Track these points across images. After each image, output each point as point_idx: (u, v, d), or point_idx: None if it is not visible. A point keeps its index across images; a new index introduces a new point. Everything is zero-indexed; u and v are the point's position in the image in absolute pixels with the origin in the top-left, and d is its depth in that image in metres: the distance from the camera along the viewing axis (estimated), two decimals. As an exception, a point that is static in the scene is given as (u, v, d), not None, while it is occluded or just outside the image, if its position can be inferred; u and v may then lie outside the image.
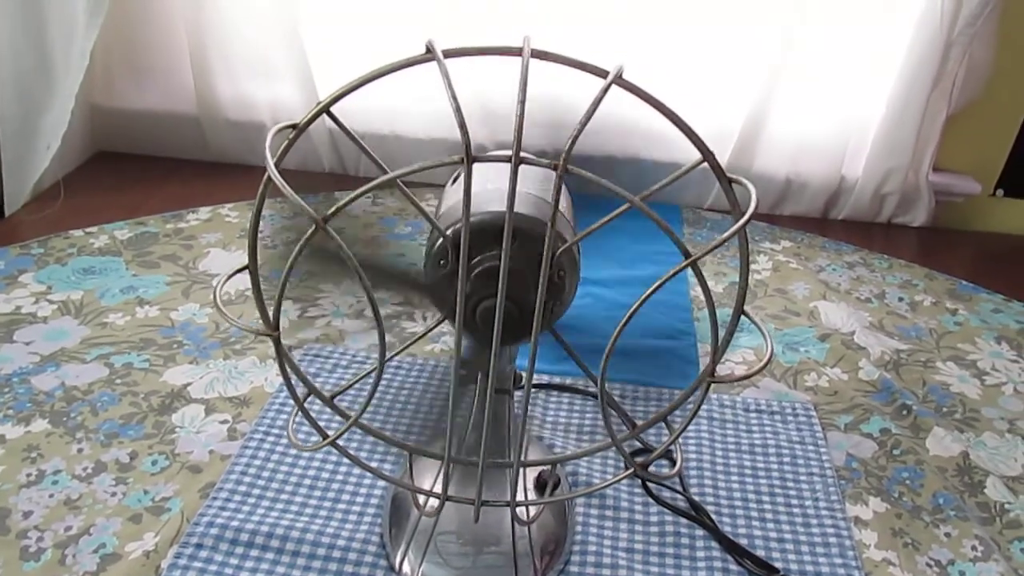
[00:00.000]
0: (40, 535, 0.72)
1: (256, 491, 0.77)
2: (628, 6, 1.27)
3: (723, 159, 1.33)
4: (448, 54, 0.42)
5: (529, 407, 0.90)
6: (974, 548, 0.77)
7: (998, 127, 1.37)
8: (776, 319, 1.10)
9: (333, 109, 0.46)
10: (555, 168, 0.43)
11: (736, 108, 1.33)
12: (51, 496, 0.76)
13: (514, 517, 0.59)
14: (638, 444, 0.83)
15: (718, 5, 1.27)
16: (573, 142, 0.42)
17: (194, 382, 0.91)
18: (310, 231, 0.45)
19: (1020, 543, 0.78)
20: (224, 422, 0.86)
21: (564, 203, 0.64)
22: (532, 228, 0.53)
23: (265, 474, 0.79)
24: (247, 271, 0.50)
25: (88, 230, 1.20)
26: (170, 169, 1.43)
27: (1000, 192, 1.42)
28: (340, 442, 0.57)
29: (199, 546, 0.71)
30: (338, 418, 0.57)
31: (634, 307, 0.47)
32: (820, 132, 1.35)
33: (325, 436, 0.57)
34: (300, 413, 0.56)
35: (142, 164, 1.43)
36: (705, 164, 0.47)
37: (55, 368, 0.91)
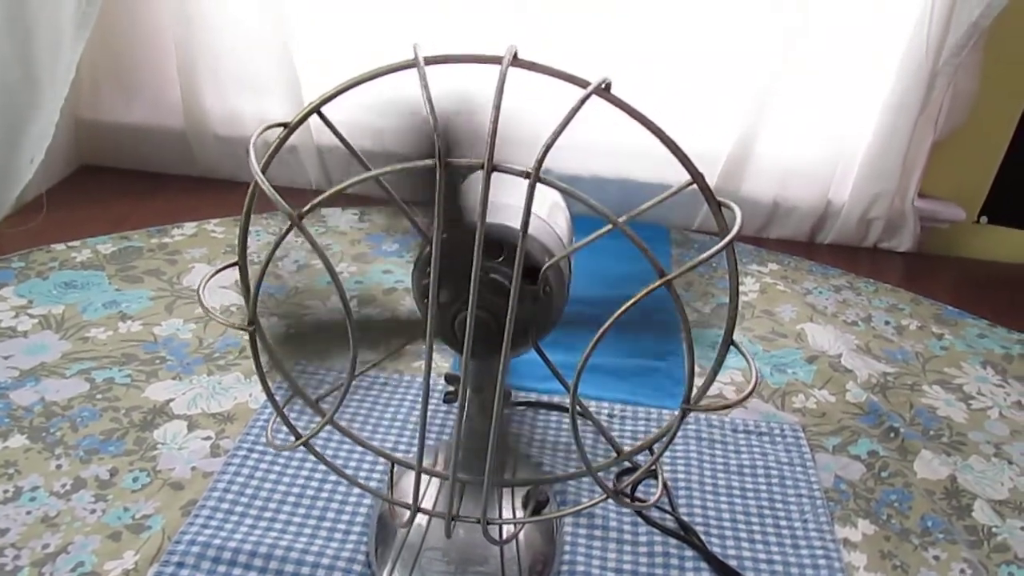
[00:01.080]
0: (17, 553, 0.70)
1: (239, 508, 0.76)
2: (617, 30, 1.27)
3: (711, 182, 1.32)
4: (430, 60, 0.43)
5: (517, 425, 0.90)
6: (963, 572, 0.76)
7: (982, 155, 1.39)
8: (764, 340, 1.10)
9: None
10: (527, 176, 0.43)
11: (724, 132, 1.33)
12: (28, 513, 0.74)
13: (486, 535, 0.58)
14: (627, 463, 0.83)
15: (708, 29, 1.28)
16: (546, 150, 0.42)
17: (177, 398, 0.90)
18: (286, 228, 0.45)
19: (1008, 567, 0.77)
20: (207, 438, 0.84)
21: (562, 221, 0.64)
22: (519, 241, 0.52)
23: (249, 491, 0.78)
24: (235, 267, 0.50)
25: (71, 244, 1.18)
26: (155, 184, 1.41)
27: (984, 219, 1.43)
28: (330, 453, 0.56)
29: (180, 564, 0.69)
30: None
31: (606, 325, 0.47)
32: (808, 157, 1.36)
33: (299, 436, 0.56)
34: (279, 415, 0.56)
35: (127, 178, 1.42)
36: (694, 185, 0.46)
37: (35, 383, 0.90)
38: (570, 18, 1.27)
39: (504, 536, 0.66)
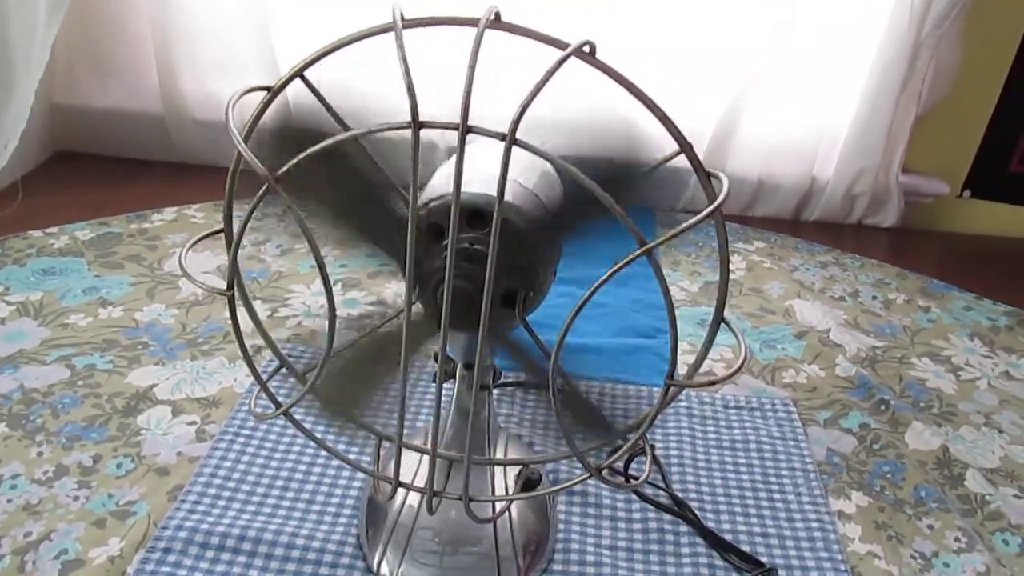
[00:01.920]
0: (-2, 541, 0.68)
1: (227, 493, 0.74)
2: (601, 6, 1.26)
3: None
4: (408, 24, 0.42)
5: (508, 405, 0.89)
6: (957, 540, 0.76)
7: (964, 130, 1.39)
8: (752, 317, 1.10)
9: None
10: (502, 139, 0.42)
11: (709, 109, 1.33)
12: (9, 501, 0.72)
13: (468, 512, 0.57)
14: (619, 441, 0.82)
15: (693, 4, 1.27)
16: (522, 112, 0.41)
17: (160, 383, 0.88)
18: (263, 189, 0.44)
19: (1002, 534, 0.78)
20: (192, 423, 0.83)
21: (551, 192, 0.63)
22: (502, 211, 0.51)
23: (236, 475, 0.76)
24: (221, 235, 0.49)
25: (48, 230, 1.16)
26: (133, 170, 1.39)
27: (967, 193, 1.43)
28: (320, 432, 0.55)
29: (167, 550, 0.68)
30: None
31: (584, 296, 0.45)
32: (792, 133, 1.35)
33: (279, 406, 0.55)
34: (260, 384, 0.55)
35: (104, 164, 1.39)
36: (682, 156, 0.45)
37: (13, 370, 0.88)
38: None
39: (492, 514, 0.65)
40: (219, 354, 0.93)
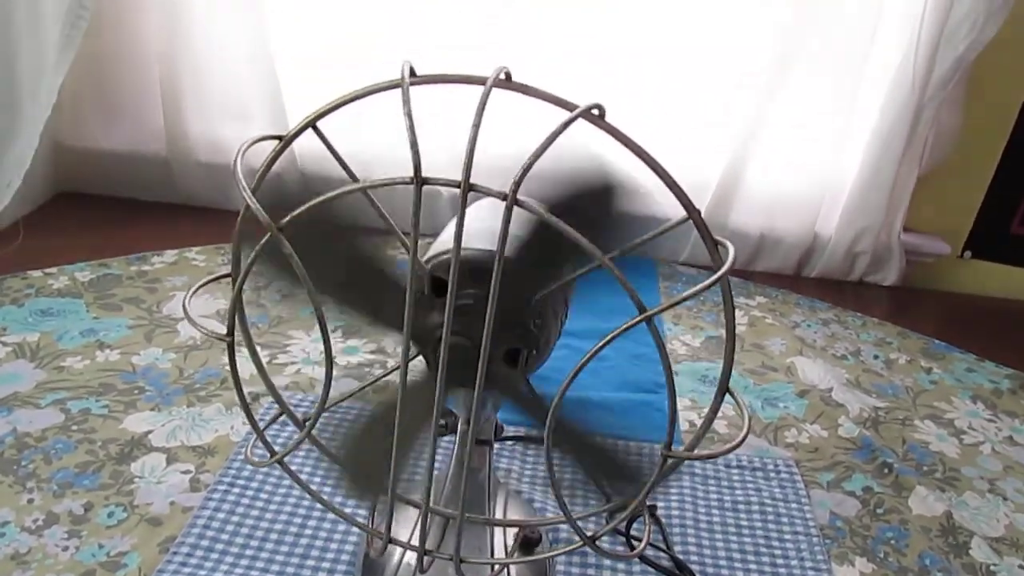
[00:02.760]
0: (-17, 592, 0.67)
1: (220, 546, 0.73)
2: (607, 62, 1.27)
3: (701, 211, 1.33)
4: (415, 81, 0.42)
5: (508, 460, 0.87)
6: (964, 611, 0.75)
7: (966, 191, 1.40)
8: (754, 374, 1.09)
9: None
10: (504, 199, 0.41)
11: (712, 164, 1.33)
12: (-3, 550, 0.71)
13: (458, 574, 0.56)
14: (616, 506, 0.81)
15: (696, 60, 1.28)
16: (525, 172, 0.40)
17: (155, 430, 0.87)
18: (265, 238, 0.44)
19: (1009, 606, 0.76)
20: (187, 472, 0.81)
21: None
22: (504, 269, 0.50)
23: (230, 527, 0.75)
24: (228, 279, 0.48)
25: (47, 271, 1.15)
26: (136, 211, 1.39)
27: (968, 254, 1.44)
28: (316, 483, 0.54)
29: (157, 605, 0.66)
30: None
31: (582, 361, 0.44)
32: (795, 190, 1.36)
33: (274, 453, 0.54)
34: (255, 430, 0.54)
35: (106, 205, 1.39)
36: (688, 220, 0.45)
37: (7, 413, 0.86)
38: (559, 46, 1.27)
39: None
40: (216, 400, 0.92)
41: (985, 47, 1.21)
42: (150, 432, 0.86)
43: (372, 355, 1.03)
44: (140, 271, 1.18)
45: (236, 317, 0.49)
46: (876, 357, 1.18)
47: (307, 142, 0.50)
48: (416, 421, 0.50)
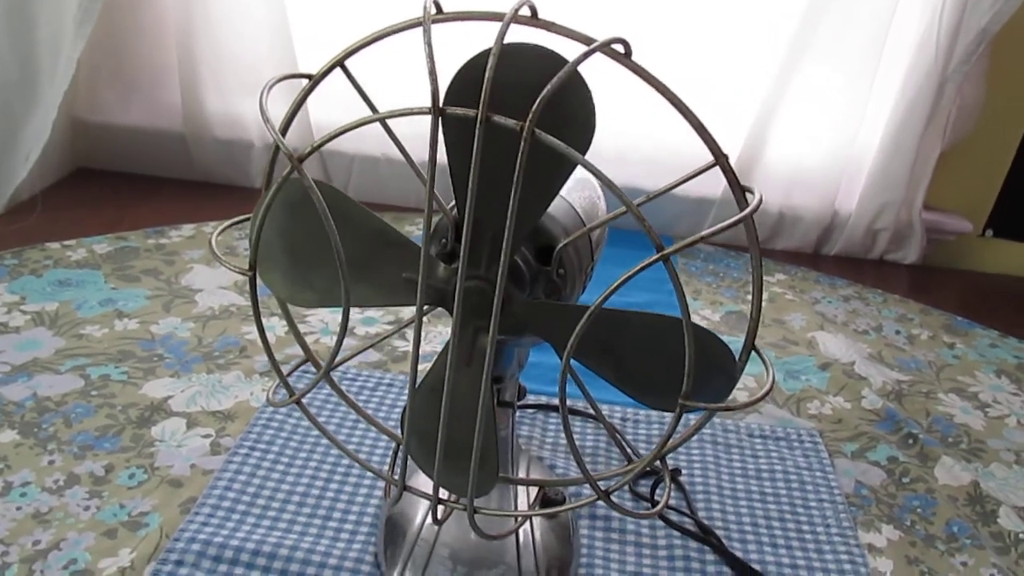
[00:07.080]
0: (5, 549, 0.66)
1: (241, 507, 0.72)
2: (628, 27, 1.26)
3: (718, 191, 1.32)
4: (439, 19, 0.43)
5: (528, 427, 0.87)
6: (993, 577, 0.74)
7: (988, 168, 1.38)
8: (776, 348, 1.08)
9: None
10: (521, 129, 0.40)
11: (731, 139, 1.32)
12: (18, 509, 0.70)
13: (472, 523, 0.55)
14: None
15: (717, 36, 1.27)
16: (542, 102, 0.39)
17: (175, 395, 0.86)
18: (286, 171, 0.44)
19: (1039, 573, 0.75)
20: (207, 436, 0.81)
21: (588, 203, 0.61)
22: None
23: (251, 489, 0.74)
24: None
25: (66, 243, 1.15)
26: (152, 187, 1.39)
27: (989, 232, 1.42)
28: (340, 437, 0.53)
29: (179, 563, 0.66)
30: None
31: (601, 297, 0.44)
32: (814, 165, 1.35)
33: (293, 393, 0.54)
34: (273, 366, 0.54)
35: (123, 181, 1.39)
36: (715, 177, 0.44)
37: (27, 378, 0.86)
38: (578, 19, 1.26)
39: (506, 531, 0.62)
40: (235, 368, 0.92)
41: (1008, 22, 1.19)
42: (170, 397, 0.86)
43: (390, 325, 1.03)
44: (158, 244, 1.18)
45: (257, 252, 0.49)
46: (898, 332, 1.17)
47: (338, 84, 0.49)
48: (416, 361, 0.49)
